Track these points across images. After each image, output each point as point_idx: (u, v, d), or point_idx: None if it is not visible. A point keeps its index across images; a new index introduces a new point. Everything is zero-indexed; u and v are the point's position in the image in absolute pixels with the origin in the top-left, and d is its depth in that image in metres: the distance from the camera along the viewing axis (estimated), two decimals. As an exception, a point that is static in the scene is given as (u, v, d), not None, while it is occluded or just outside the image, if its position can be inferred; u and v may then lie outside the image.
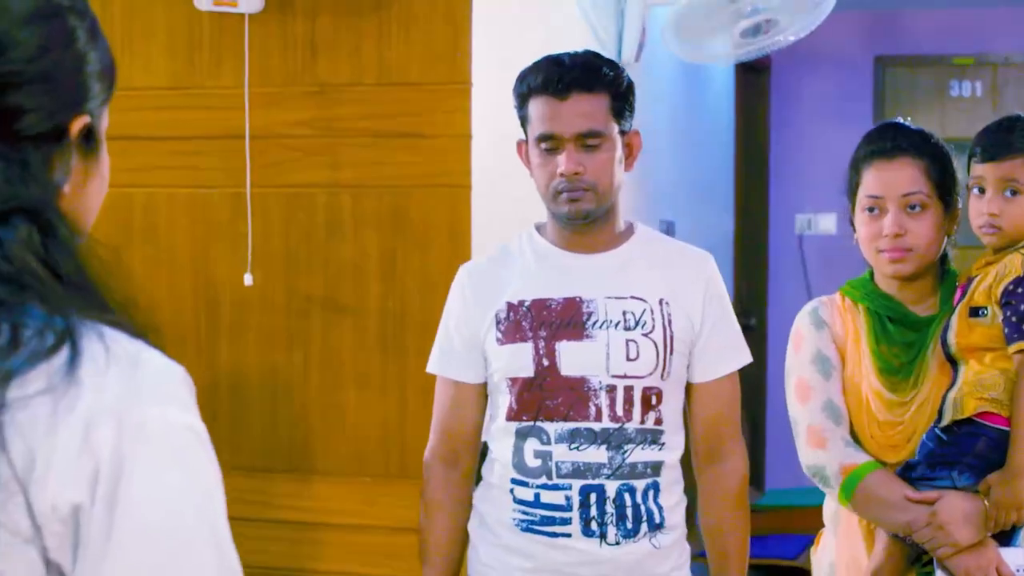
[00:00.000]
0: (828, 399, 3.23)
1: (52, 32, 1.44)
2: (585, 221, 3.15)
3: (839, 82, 9.04)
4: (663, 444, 3.16)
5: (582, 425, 3.10)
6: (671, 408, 3.18)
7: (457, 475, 3.32)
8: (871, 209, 3.24)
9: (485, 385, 3.27)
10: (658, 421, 3.15)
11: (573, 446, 3.09)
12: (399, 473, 4.32)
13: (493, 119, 4.22)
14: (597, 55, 3.21)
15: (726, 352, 3.26)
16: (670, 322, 3.15)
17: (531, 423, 3.14)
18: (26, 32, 1.42)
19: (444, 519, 3.31)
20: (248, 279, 4.39)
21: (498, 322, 3.19)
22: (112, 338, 1.42)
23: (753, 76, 8.85)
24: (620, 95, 3.15)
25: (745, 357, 3.30)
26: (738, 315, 3.47)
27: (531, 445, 3.14)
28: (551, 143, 3.12)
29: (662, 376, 3.15)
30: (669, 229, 6.60)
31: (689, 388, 3.25)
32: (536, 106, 3.13)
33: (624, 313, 3.13)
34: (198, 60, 4.52)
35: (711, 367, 3.23)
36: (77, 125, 1.47)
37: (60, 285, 1.40)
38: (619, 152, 3.15)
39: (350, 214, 4.37)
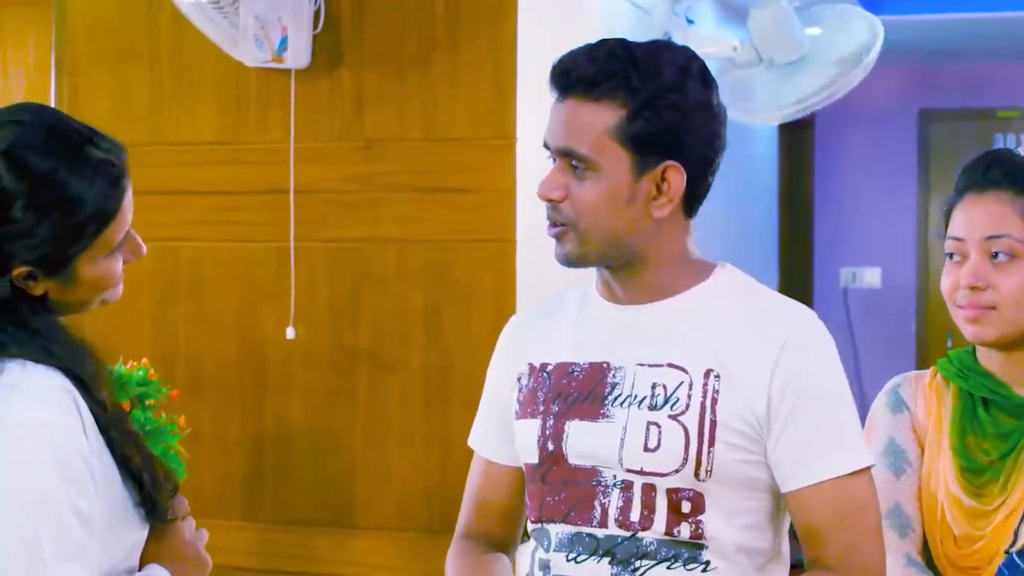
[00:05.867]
0: (895, 504, 2.51)
1: None
2: (581, 267, 2.35)
3: (883, 136, 9.03)
4: (706, 566, 2.25)
5: (584, 530, 2.30)
6: (725, 522, 2.26)
7: (487, 548, 2.54)
8: (952, 255, 2.52)
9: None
10: (697, 535, 2.24)
11: (571, 556, 2.30)
12: (442, 528, 4.29)
13: (538, 174, 4.22)
14: (651, 48, 2.29)
15: (818, 448, 2.24)
16: (715, 403, 2.24)
17: (538, 524, 2.37)
18: None
19: None
20: (290, 332, 4.40)
21: (520, 389, 2.42)
22: (25, 371, 1.96)
23: (797, 130, 8.84)
24: (641, 111, 2.23)
25: (855, 459, 2.26)
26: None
27: (538, 553, 2.37)
28: (549, 155, 2.34)
29: (697, 475, 2.23)
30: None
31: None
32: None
33: (654, 386, 2.27)
34: (245, 116, 4.55)
35: (794, 470, 2.25)
36: (17, 271, 2.00)
37: (9, 343, 1.99)
38: (627, 188, 2.26)
39: (394, 269, 4.38)
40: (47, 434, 1.93)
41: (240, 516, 4.49)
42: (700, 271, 2.36)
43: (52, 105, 4.75)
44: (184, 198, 4.58)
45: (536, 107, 4.35)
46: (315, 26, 4.37)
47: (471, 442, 2.57)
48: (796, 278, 8.90)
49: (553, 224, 2.31)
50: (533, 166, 4.25)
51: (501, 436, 2.48)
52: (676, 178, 2.26)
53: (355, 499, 4.41)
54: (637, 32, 5.18)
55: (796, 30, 4.92)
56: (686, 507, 2.24)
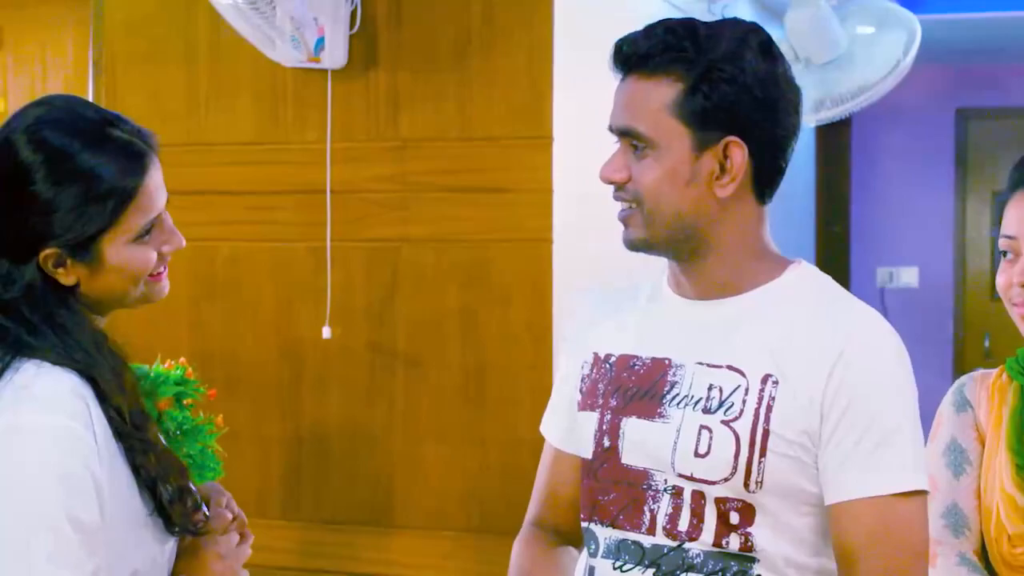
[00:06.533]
0: (952, 503, 2.48)
1: (11, 198, 2.02)
2: (648, 253, 2.26)
3: (920, 135, 8.99)
4: None
5: (630, 536, 2.21)
6: (775, 535, 2.15)
7: (555, 539, 2.46)
8: (1005, 252, 2.47)
9: None
10: (747, 547, 2.13)
11: (617, 564, 2.22)
12: (479, 527, 4.30)
13: (575, 173, 4.22)
14: (715, 23, 2.21)
15: (863, 461, 2.09)
16: (769, 410, 2.12)
17: (586, 524, 2.30)
18: None
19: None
20: (326, 332, 4.41)
21: (583, 379, 2.34)
22: (39, 372, 1.97)
23: (834, 129, 8.80)
24: (699, 85, 2.14)
25: (903, 480, 2.09)
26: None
27: (587, 557, 2.30)
28: (616, 139, 2.24)
29: (746, 485, 2.12)
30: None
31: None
32: None
33: (710, 388, 2.16)
34: (282, 115, 4.56)
35: (836, 482, 2.11)
36: (44, 254, 2.03)
37: (31, 341, 2.00)
38: (688, 167, 2.16)
39: (431, 268, 4.38)
40: (50, 439, 1.92)
41: (279, 515, 4.50)
42: (773, 267, 2.27)
43: (90, 105, 4.77)
44: (221, 198, 4.60)
45: (573, 106, 4.36)
46: (351, 26, 4.38)
47: (542, 429, 2.48)
48: (833, 277, 8.86)
49: (621, 205, 2.21)
50: (570, 166, 4.25)
51: (569, 424, 2.38)
52: (738, 154, 2.16)
53: (393, 498, 4.42)
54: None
55: (833, 30, 4.90)
56: (735, 518, 2.14)
